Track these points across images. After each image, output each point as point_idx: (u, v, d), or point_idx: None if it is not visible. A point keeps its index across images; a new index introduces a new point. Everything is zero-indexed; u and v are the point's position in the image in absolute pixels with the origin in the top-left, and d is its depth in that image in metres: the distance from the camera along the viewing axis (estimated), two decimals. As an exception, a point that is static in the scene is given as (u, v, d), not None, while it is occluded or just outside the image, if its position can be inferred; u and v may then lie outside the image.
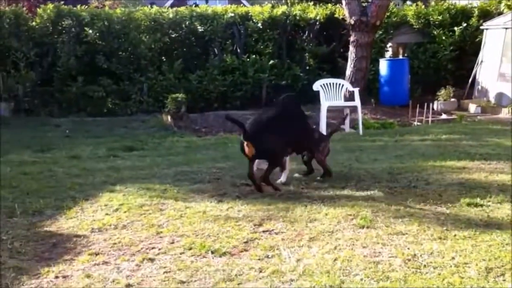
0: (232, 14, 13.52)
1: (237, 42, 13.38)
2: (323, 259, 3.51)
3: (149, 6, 14.28)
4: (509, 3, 14.21)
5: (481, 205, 4.54)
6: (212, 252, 3.67)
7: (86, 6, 13.44)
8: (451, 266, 3.34)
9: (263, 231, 4.08)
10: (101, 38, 12.54)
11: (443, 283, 3.14)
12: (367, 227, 4.06)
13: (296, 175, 5.69)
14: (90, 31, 12.43)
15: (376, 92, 12.88)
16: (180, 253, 3.69)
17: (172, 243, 3.90)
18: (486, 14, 14.06)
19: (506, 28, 12.27)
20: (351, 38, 12.30)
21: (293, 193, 5.11)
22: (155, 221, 4.38)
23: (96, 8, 14.39)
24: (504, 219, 4.21)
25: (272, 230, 4.11)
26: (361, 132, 9.35)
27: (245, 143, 5.01)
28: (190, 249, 3.75)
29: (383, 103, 12.52)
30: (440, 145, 7.59)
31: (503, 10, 14.13)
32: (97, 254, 3.73)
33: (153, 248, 3.81)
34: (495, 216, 4.28)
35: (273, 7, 14.26)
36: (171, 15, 13.30)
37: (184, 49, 13.45)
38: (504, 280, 3.16)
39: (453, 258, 3.46)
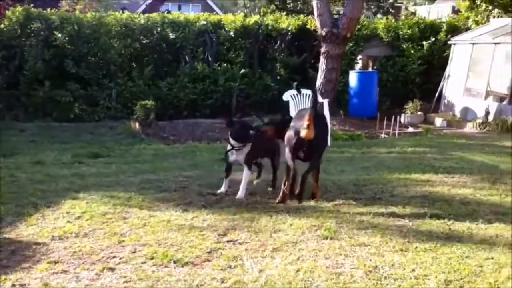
0: (205, 22, 13.53)
1: (209, 50, 13.38)
2: (285, 270, 3.51)
3: (121, 11, 14.18)
4: (476, 19, 14.60)
5: (443, 218, 4.61)
6: (174, 262, 3.63)
7: (56, 10, 13.26)
8: (411, 278, 3.38)
9: (227, 241, 4.06)
10: (70, 42, 12.38)
11: (403, 295, 3.17)
12: (331, 238, 4.09)
13: (269, 187, 5.65)
14: (59, 35, 12.27)
15: (345, 103, 13.01)
16: (142, 263, 3.64)
17: (134, 252, 3.84)
18: (454, 29, 14.42)
19: (473, 44, 12.57)
20: (322, 49, 12.40)
21: (259, 203, 5.09)
22: (118, 230, 4.32)
23: (66, 12, 14.22)
24: (465, 232, 4.28)
25: (236, 240, 4.09)
26: (329, 143, 9.38)
27: (307, 123, 4.76)
28: (152, 258, 3.70)
29: (351, 114, 12.65)
30: (406, 157, 7.70)
31: (470, 25, 14.51)
32: (56, 262, 3.65)
33: (114, 257, 3.75)
34: (456, 229, 4.35)
35: (245, 16, 14.33)
36: (142, 21, 13.23)
37: (155, 56, 13.39)
38: (462, 293, 3.21)
39: (413, 270, 3.50)
